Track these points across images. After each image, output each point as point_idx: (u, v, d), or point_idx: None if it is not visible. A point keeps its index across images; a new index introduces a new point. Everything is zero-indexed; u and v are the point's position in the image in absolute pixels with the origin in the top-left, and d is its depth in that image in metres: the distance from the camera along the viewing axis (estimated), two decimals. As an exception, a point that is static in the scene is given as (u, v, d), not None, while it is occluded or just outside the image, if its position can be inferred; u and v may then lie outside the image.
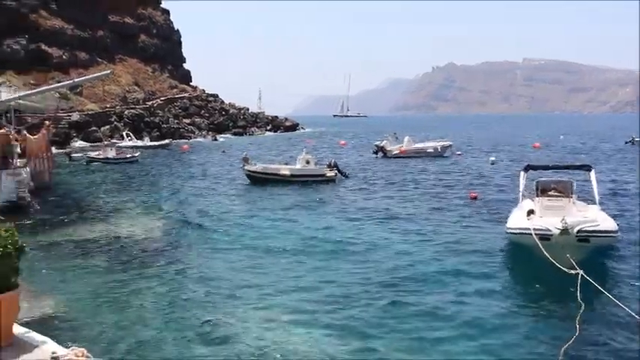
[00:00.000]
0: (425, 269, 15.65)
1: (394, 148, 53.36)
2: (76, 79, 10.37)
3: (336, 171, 36.47)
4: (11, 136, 16.53)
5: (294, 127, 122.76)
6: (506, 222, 16.91)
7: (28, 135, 15.47)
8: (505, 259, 16.84)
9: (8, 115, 28.85)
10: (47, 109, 29.82)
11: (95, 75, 13.15)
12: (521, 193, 19.01)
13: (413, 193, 30.74)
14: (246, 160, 36.12)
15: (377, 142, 57.00)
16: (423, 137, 72.76)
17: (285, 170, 35.59)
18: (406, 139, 55.38)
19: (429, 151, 53.36)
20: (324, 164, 37.99)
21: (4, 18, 78.25)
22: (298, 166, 36.03)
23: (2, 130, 13.86)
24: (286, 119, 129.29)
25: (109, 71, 13.53)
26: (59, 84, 26.37)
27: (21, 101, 22.38)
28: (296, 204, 27.54)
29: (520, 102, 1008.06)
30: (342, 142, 77.59)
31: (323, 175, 35.74)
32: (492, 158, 47.18)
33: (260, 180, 34.92)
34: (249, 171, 35.44)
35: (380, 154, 53.63)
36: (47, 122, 14.62)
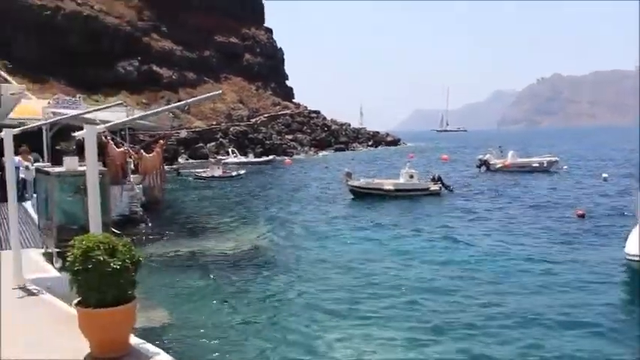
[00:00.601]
0: (533, 303, 13.81)
1: (498, 162, 51.80)
2: (189, 100, 10.63)
3: (441, 184, 35.78)
4: (128, 154, 17.14)
5: (395, 143, 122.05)
6: (623, 245, 15.51)
7: (143, 153, 15.90)
8: (626, 289, 15.03)
9: (122, 132, 30.20)
10: (161, 128, 31.07)
11: (207, 95, 13.57)
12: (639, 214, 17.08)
13: (517, 209, 29.59)
14: (349, 175, 36.02)
15: (480, 156, 55.52)
16: (527, 151, 70.16)
17: (388, 185, 35.22)
18: (510, 153, 53.64)
19: (534, 165, 51.31)
20: (427, 178, 37.36)
21: (120, 42, 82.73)
22: (402, 180, 35.57)
23: (122, 149, 14.34)
24: (387, 134, 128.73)
25: (219, 92, 13.94)
26: (174, 105, 27.36)
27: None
28: (400, 219, 27.12)
29: (633, 113, 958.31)
30: (445, 156, 76.24)
31: (427, 189, 35.13)
32: (605, 175, 44.23)
33: (363, 195, 34.73)
34: (352, 186, 35.31)
35: (483, 168, 52.24)
36: (162, 141, 15.01)
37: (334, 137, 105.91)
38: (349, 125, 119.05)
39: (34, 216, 14.20)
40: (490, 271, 16.89)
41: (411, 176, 35.63)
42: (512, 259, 18.50)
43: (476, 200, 33.33)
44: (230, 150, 74.31)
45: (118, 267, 5.46)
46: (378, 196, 34.38)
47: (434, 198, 34.12)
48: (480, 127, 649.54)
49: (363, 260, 18.83)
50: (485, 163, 52.32)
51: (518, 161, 52.37)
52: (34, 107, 22.85)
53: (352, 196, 35.25)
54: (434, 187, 35.31)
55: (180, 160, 70.48)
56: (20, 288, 8.32)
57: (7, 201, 13.66)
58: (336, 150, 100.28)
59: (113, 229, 8.60)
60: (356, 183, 35.55)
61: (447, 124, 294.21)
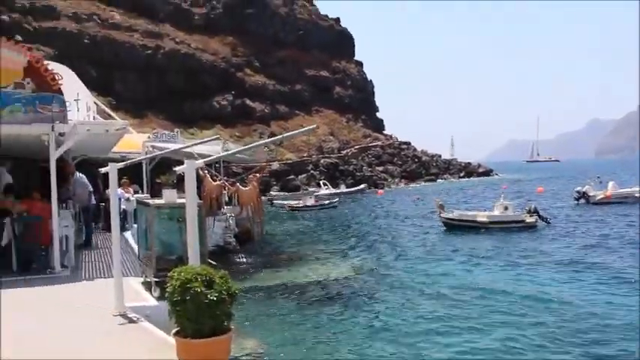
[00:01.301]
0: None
1: (598, 194, 49.43)
2: (285, 134, 10.80)
3: (537, 217, 34.59)
4: (224, 187, 17.59)
5: (487, 173, 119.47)
6: None
7: (239, 186, 16.28)
8: None
9: (217, 164, 31.05)
10: (255, 160, 31.86)
11: (302, 130, 13.84)
12: None
13: (619, 244, 28.01)
14: (441, 206, 35.46)
15: (578, 188, 53.15)
16: (628, 182, 66.71)
17: (482, 217, 34.39)
18: (610, 184, 50.91)
19: (637, 195, 48.53)
20: (522, 210, 36.23)
21: (215, 77, 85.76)
22: (496, 212, 34.64)
23: (218, 182, 14.78)
24: (479, 165, 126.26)
25: (314, 126, 14.15)
26: (271, 139, 28.11)
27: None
28: (495, 251, 26.34)
29: None
30: (540, 188, 73.68)
31: (522, 222, 34.02)
32: None
33: (456, 227, 34.06)
34: (445, 218, 34.72)
35: (582, 200, 49.95)
36: (258, 175, 15.33)
37: (425, 168, 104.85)
38: (440, 156, 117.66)
39: (134, 245, 14.72)
40: (595, 315, 16.02)
41: (506, 208, 34.67)
42: (612, 303, 17.39)
43: (575, 234, 31.94)
44: (322, 182, 74.93)
45: (215, 299, 5.56)
46: (471, 228, 33.63)
47: (530, 231, 32.98)
48: (575, 156, 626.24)
49: (456, 292, 18.38)
50: (584, 195, 50.00)
51: (621, 192, 49.86)
52: (135, 141, 23.87)
53: (445, 228, 34.65)
54: (530, 220, 34.15)
55: (272, 192, 71.67)
56: (121, 315, 8.61)
57: (110, 231, 14.26)
58: (427, 181, 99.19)
59: (209, 260, 8.78)
60: (449, 215, 34.95)
61: (538, 154, 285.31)
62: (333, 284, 20.12)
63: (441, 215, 34.84)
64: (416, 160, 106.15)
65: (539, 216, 34.87)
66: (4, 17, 68.26)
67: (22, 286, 10.95)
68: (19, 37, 53.69)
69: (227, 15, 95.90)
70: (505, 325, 14.80)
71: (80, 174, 17.12)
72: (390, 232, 35.00)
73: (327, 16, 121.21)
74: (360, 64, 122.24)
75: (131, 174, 20.35)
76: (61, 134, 11.60)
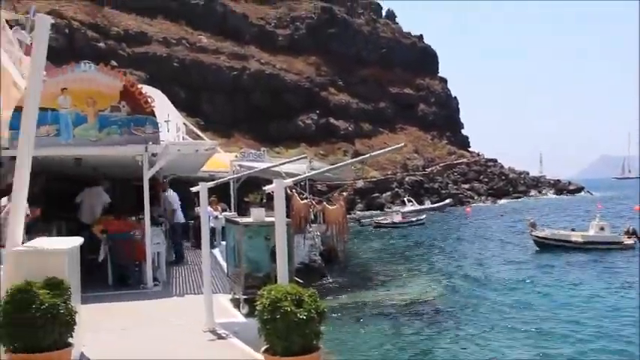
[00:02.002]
0: None
1: None
2: (372, 153, 10.84)
3: (636, 238, 32.99)
4: (311, 206, 17.75)
5: (578, 191, 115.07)
6: None
7: (326, 205, 16.42)
8: None
9: (302, 182, 31.30)
10: (341, 179, 32.00)
11: (389, 148, 13.81)
12: None
13: None
14: (533, 225, 34.37)
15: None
16: None
17: (577, 237, 33.12)
18: None
19: None
20: (620, 231, 34.67)
21: (300, 97, 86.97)
22: (591, 232, 33.26)
23: (305, 201, 15.01)
24: (569, 183, 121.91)
25: (402, 144, 14.15)
26: (358, 158, 28.26)
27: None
28: (590, 273, 25.27)
29: None
30: (637, 207, 69.92)
31: (620, 243, 32.53)
32: None
33: (549, 246, 32.92)
34: (537, 237, 33.65)
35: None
36: (344, 193, 15.44)
37: (512, 186, 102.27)
38: (527, 173, 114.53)
39: (222, 263, 14.99)
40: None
41: (602, 228, 33.24)
42: None
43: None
44: (406, 199, 74.30)
45: (305, 317, 5.56)
46: (564, 248, 32.43)
47: (628, 253, 31.40)
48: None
49: (548, 315, 17.73)
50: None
51: None
52: (223, 160, 24.38)
53: (536, 247, 33.56)
54: (628, 241, 32.63)
55: (357, 210, 71.63)
56: (210, 331, 8.77)
57: (199, 248, 14.56)
58: (515, 199, 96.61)
59: (296, 279, 8.81)
60: (541, 234, 33.83)
61: (630, 171, 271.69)
62: (420, 305, 19.82)
63: (533, 234, 33.80)
64: (503, 177, 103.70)
65: (639, 238, 33.29)
66: (101, 44, 71.79)
67: (116, 300, 11.34)
68: (114, 63, 56.34)
69: (310, 35, 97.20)
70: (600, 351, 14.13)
71: (171, 192, 17.64)
72: (479, 250, 34.27)
73: (409, 33, 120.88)
74: (444, 80, 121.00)
75: (219, 192, 20.80)
76: (154, 154, 12.01)
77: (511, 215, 60.66)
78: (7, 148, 11.44)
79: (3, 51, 13.08)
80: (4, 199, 10.48)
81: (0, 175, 11.67)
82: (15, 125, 10.91)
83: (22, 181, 6.09)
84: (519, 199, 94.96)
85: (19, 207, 6.12)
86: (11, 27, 14.69)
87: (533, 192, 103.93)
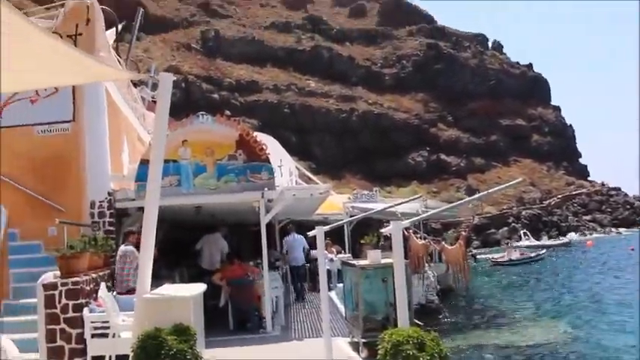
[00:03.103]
0: None
1: None
2: (490, 190, 10.52)
3: None
4: (429, 246, 17.56)
5: None
6: None
7: (445, 245, 16.22)
8: None
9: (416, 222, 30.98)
10: (457, 216, 31.46)
11: (509, 184, 13.44)
12: None
13: None
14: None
15: None
16: None
17: None
18: None
19: None
20: None
21: (409, 134, 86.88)
22: None
23: (423, 242, 14.92)
24: None
25: (520, 179, 13.74)
26: (475, 196, 27.71)
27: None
28: None
29: None
30: None
31: None
32: None
33: None
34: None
35: None
36: (464, 233, 15.14)
37: (638, 215, 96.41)
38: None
39: (339, 305, 14.98)
40: None
41: None
42: None
43: None
44: (522, 233, 71.72)
45: (429, 362, 5.46)
46: None
47: None
48: None
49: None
50: None
51: None
52: (336, 202, 24.57)
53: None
54: None
55: (472, 248, 69.88)
56: (332, 376, 8.73)
57: (316, 291, 14.64)
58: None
59: (416, 321, 8.66)
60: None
61: None
62: (542, 349, 18.82)
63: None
64: (628, 206, 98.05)
65: None
66: (215, 95, 75.17)
67: (238, 344, 11.55)
68: (228, 112, 58.75)
69: (417, 72, 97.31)
70: None
71: (295, 235, 17.99)
72: (604, 288, 32.27)
73: (518, 63, 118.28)
74: (557, 108, 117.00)
75: (333, 235, 20.94)
76: (270, 200, 12.30)
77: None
78: (134, 199, 12.11)
79: (130, 108, 13.95)
80: (122, 247, 11.02)
81: (125, 224, 12.33)
82: (141, 177, 11.55)
83: (149, 230, 6.39)
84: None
85: (147, 255, 6.42)
86: (135, 85, 15.67)
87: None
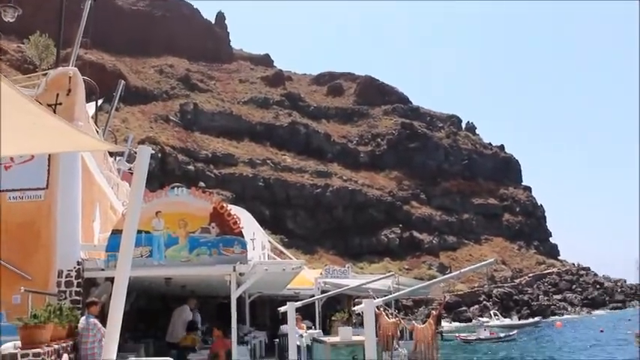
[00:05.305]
0: None
1: None
2: (462, 270, 10.62)
3: None
4: (399, 324, 17.42)
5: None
6: None
7: (415, 324, 16.16)
8: None
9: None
10: (426, 294, 31.42)
11: (480, 264, 13.51)
12: None
13: None
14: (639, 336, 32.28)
15: None
16: None
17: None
18: None
19: None
20: None
21: (382, 211, 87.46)
22: None
23: (394, 320, 14.83)
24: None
25: (493, 259, 13.80)
26: (448, 275, 27.96)
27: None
28: None
29: None
30: None
31: None
32: None
33: None
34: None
35: None
36: (434, 312, 15.11)
37: (608, 295, 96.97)
38: (625, 281, 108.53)
39: (308, 382, 14.71)
40: None
41: None
42: None
43: None
44: (492, 313, 71.60)
45: None
46: None
47: None
48: None
49: None
50: None
51: None
52: (307, 277, 24.39)
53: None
54: None
55: (443, 324, 69.38)
56: None
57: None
58: (613, 309, 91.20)
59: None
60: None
61: None
62: None
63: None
64: (597, 286, 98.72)
65: None
66: (191, 167, 75.34)
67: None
68: (202, 184, 58.80)
69: (392, 151, 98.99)
70: None
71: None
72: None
73: (490, 143, 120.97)
74: (528, 188, 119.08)
75: (303, 310, 20.71)
76: (241, 274, 12.22)
77: (608, 328, 56.98)
78: (103, 269, 11.96)
79: (104, 177, 13.95)
80: (83, 318, 10.73)
81: (93, 294, 12.09)
82: (111, 247, 11.46)
83: (118, 302, 6.32)
84: (619, 310, 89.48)
85: (114, 327, 6.32)
86: (111, 155, 15.71)
87: (633, 302, 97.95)
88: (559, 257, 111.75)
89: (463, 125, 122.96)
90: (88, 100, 13.76)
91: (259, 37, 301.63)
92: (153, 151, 5.81)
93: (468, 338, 50.37)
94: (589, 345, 44.06)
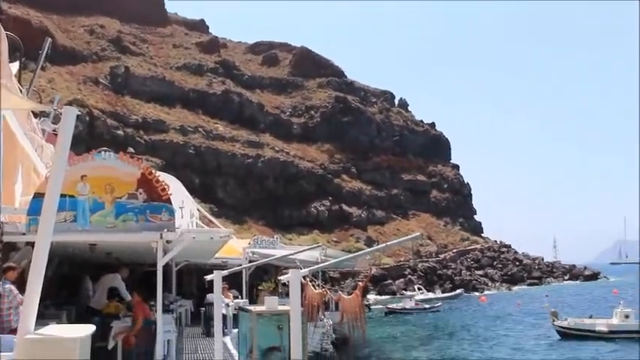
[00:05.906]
0: None
1: None
2: (388, 243, 10.81)
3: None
4: (325, 295, 17.59)
5: (594, 276, 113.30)
6: None
7: (341, 294, 16.35)
8: None
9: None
10: (352, 266, 31.86)
11: (406, 238, 13.76)
12: None
13: None
14: (554, 314, 33.72)
15: None
16: None
17: (601, 326, 32.27)
18: None
19: None
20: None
21: (313, 184, 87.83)
22: (615, 321, 32.41)
23: (320, 290, 14.96)
24: (585, 268, 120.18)
25: (419, 234, 14.15)
26: (375, 248, 28.26)
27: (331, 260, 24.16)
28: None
29: None
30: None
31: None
32: None
33: (572, 336, 32.09)
34: (559, 326, 32.90)
35: None
36: (361, 284, 15.35)
37: (527, 272, 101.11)
38: (542, 259, 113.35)
39: (233, 351, 14.76)
40: None
41: (627, 316, 32.38)
42: None
43: None
44: (416, 286, 73.48)
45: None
46: (589, 338, 31.51)
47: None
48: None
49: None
50: None
51: None
52: (236, 247, 24.38)
53: (558, 337, 32.74)
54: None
55: (369, 297, 70.70)
56: None
57: (209, 335, 14.35)
58: (530, 285, 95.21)
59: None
60: (563, 323, 33.08)
61: (627, 256, 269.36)
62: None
63: (555, 323, 33.08)
64: (517, 263, 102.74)
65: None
66: (120, 132, 73.45)
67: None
68: (131, 150, 57.42)
69: (324, 123, 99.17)
70: None
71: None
72: (496, 340, 33.43)
73: (422, 121, 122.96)
74: (456, 167, 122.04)
75: (230, 279, 20.71)
76: (169, 241, 12.07)
77: (526, 302, 59.44)
78: (24, 233, 11.58)
79: (27, 138, 13.44)
80: None
81: (12, 259, 11.71)
82: (33, 211, 11.08)
83: (38, 268, 6.15)
84: (535, 286, 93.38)
85: (34, 294, 6.15)
86: (35, 116, 15.13)
87: (549, 278, 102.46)
88: (482, 234, 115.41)
89: (396, 102, 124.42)
90: (12, 57, 13.15)
91: (194, 2, 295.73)
92: (80, 114, 5.63)
93: (395, 309, 51.73)
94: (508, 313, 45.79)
